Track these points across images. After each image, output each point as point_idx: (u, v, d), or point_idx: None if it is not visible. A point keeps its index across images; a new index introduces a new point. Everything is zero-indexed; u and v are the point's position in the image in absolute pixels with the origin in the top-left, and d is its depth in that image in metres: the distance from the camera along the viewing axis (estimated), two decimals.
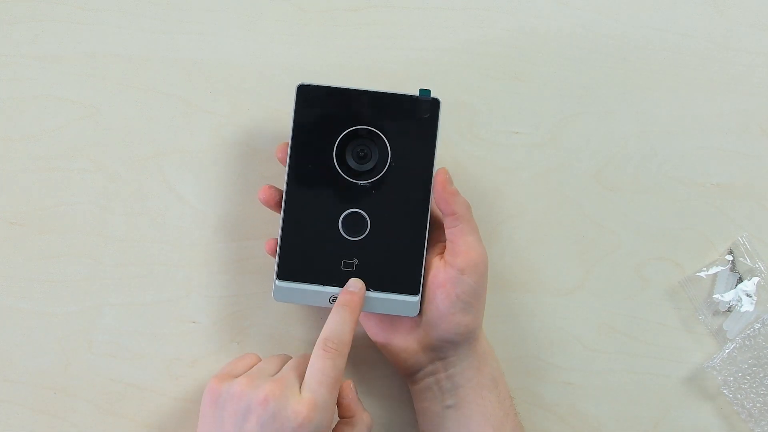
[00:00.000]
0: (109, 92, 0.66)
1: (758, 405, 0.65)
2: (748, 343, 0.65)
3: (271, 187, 0.59)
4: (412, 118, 0.58)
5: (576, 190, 0.67)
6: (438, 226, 0.60)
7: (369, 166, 0.59)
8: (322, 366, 0.54)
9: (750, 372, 0.65)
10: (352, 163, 0.58)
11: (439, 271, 0.58)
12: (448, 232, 0.58)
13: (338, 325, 0.55)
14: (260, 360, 0.59)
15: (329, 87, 0.58)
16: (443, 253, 0.59)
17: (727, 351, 0.65)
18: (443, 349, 0.58)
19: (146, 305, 0.65)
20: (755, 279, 0.66)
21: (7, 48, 0.66)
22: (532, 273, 0.66)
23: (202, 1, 0.67)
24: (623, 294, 0.66)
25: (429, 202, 0.58)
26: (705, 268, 0.66)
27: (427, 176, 0.58)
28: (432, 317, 0.58)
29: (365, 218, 0.58)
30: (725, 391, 0.65)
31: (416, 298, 0.58)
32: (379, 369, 0.65)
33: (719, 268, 0.66)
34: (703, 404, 0.66)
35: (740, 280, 0.66)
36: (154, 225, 0.66)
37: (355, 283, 0.58)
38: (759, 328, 0.65)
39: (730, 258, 0.67)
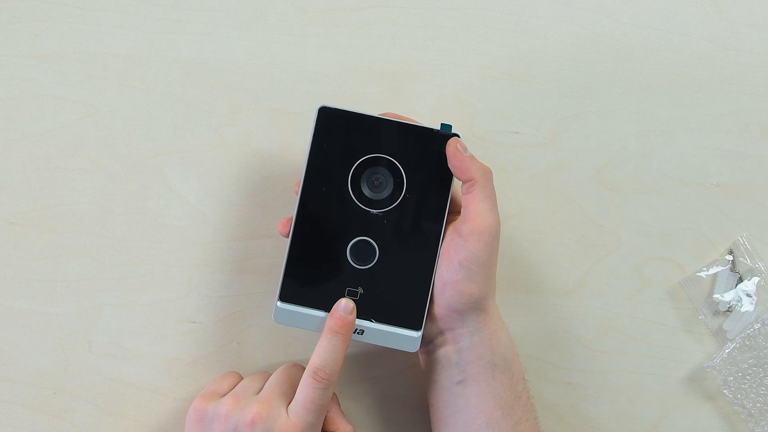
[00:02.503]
0: (109, 92, 0.66)
1: (758, 405, 0.65)
2: (748, 343, 0.65)
3: (290, 219, 0.58)
4: (432, 152, 0.58)
5: (576, 190, 0.67)
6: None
7: (383, 195, 0.58)
8: (312, 396, 0.54)
9: (750, 372, 0.65)
10: (366, 190, 0.58)
11: (446, 239, 0.58)
12: (463, 198, 0.57)
13: (329, 354, 0.55)
14: (242, 378, 0.59)
15: (350, 112, 0.58)
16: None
17: (727, 351, 0.65)
18: (450, 319, 0.57)
19: (146, 305, 0.65)
20: (755, 279, 0.66)
21: (7, 48, 0.66)
22: (532, 273, 0.66)
23: (202, 1, 0.67)
24: (623, 294, 0.66)
25: (440, 237, 0.57)
26: (705, 268, 0.66)
27: (441, 211, 0.58)
28: (438, 285, 0.57)
29: (374, 247, 0.58)
30: (725, 391, 0.65)
31: (417, 334, 0.57)
32: (376, 369, 0.65)
33: (719, 268, 0.66)
34: (703, 404, 0.66)
35: (740, 280, 0.66)
36: (154, 225, 0.66)
37: (345, 305, 0.57)
38: (759, 328, 0.65)
39: (730, 258, 0.67)
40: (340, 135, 0.58)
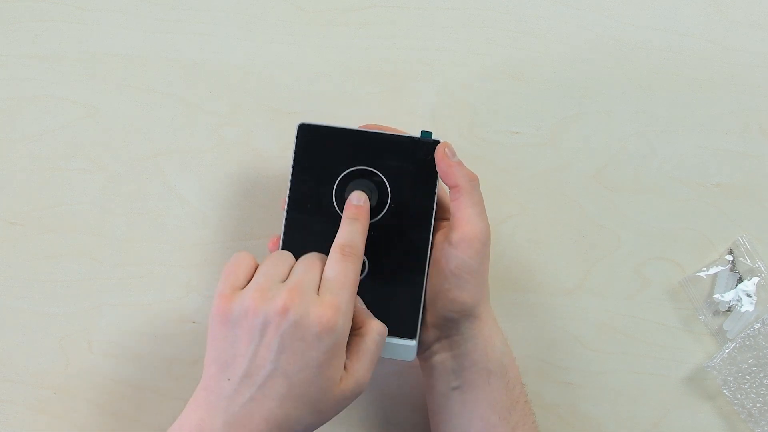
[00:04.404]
0: (109, 92, 0.66)
1: (758, 405, 0.65)
2: (748, 343, 0.65)
3: (279, 237, 0.58)
4: (413, 160, 0.57)
5: (576, 190, 0.67)
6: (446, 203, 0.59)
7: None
8: (343, 269, 0.52)
9: (750, 372, 0.65)
10: None
11: (436, 248, 0.57)
12: (451, 205, 0.57)
13: (352, 233, 0.54)
14: (257, 263, 0.54)
15: (330, 127, 0.58)
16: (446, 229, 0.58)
17: (727, 351, 0.65)
18: (445, 327, 0.57)
19: (146, 305, 0.65)
20: (755, 279, 0.66)
21: (7, 48, 0.66)
22: (532, 273, 0.66)
23: (202, 1, 0.67)
24: (623, 294, 0.66)
25: (429, 245, 0.57)
26: (705, 268, 0.66)
27: (427, 219, 0.57)
28: (429, 294, 0.57)
29: (363, 260, 0.57)
30: (725, 391, 0.65)
31: (413, 342, 0.57)
32: (376, 369, 0.65)
33: (719, 268, 0.66)
34: (703, 404, 0.66)
35: (740, 280, 0.66)
36: (154, 225, 0.66)
37: (358, 197, 0.56)
38: (759, 328, 0.65)
39: (730, 258, 0.67)
40: (322, 150, 0.58)
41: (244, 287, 0.52)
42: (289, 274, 0.53)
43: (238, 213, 0.66)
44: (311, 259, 0.54)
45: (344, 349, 0.51)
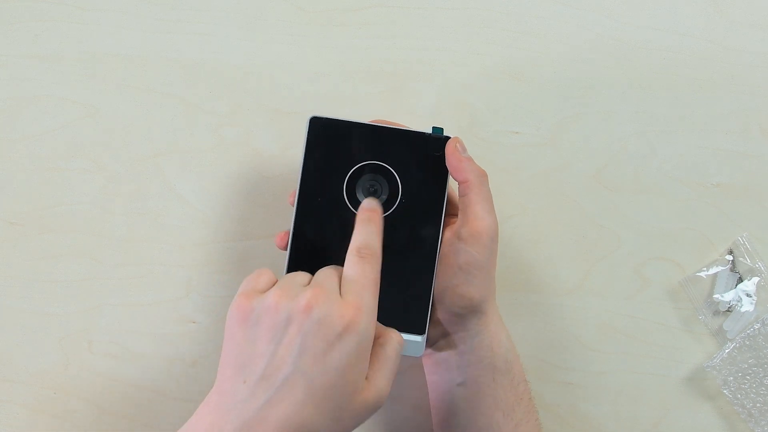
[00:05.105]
0: (109, 92, 0.66)
1: (758, 405, 0.65)
2: (748, 343, 0.65)
3: (288, 233, 0.57)
4: (424, 156, 0.58)
5: (576, 190, 0.67)
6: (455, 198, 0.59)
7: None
8: (362, 270, 0.51)
9: (750, 372, 0.65)
10: (362, 198, 0.57)
11: (445, 243, 0.57)
12: (460, 201, 0.57)
13: (367, 234, 0.53)
14: (277, 279, 0.53)
15: (342, 120, 0.57)
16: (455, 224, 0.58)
17: (727, 351, 0.65)
18: (451, 323, 0.57)
19: (146, 305, 0.65)
20: (755, 279, 0.66)
21: (7, 48, 0.66)
22: (532, 273, 0.66)
23: (202, 1, 0.67)
24: (623, 294, 0.66)
25: (438, 241, 0.57)
26: (705, 268, 0.66)
27: (437, 214, 0.57)
28: (437, 289, 0.57)
29: None
30: (725, 391, 0.65)
31: (422, 338, 0.57)
32: None
33: (719, 268, 0.66)
34: (703, 404, 0.66)
35: (740, 280, 0.66)
36: (154, 225, 0.66)
37: (369, 202, 0.56)
38: (759, 328, 0.65)
39: (730, 258, 0.67)
40: (333, 144, 0.57)
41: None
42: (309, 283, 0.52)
43: (238, 213, 0.66)
44: (330, 268, 0.53)
45: (368, 354, 0.50)
